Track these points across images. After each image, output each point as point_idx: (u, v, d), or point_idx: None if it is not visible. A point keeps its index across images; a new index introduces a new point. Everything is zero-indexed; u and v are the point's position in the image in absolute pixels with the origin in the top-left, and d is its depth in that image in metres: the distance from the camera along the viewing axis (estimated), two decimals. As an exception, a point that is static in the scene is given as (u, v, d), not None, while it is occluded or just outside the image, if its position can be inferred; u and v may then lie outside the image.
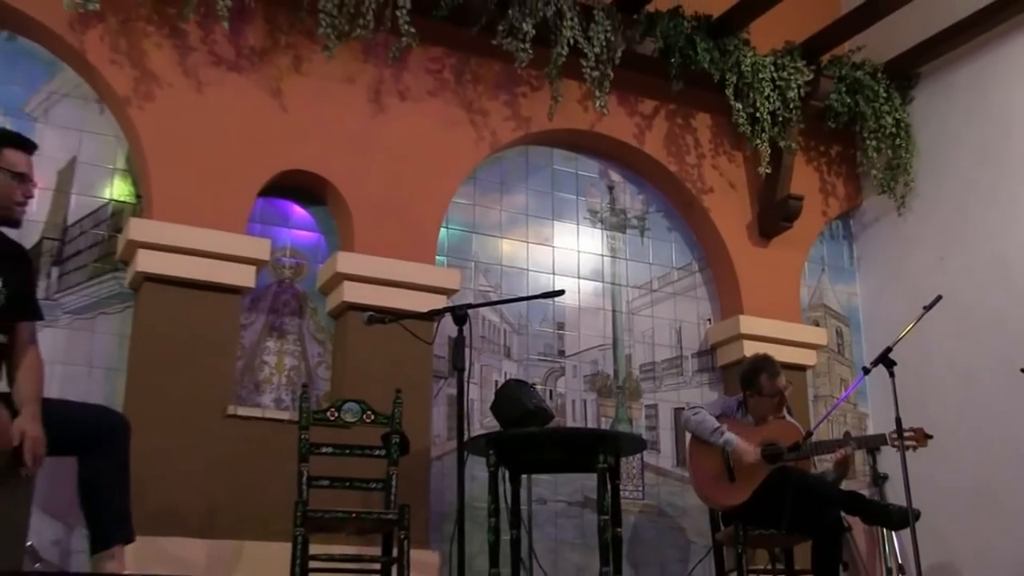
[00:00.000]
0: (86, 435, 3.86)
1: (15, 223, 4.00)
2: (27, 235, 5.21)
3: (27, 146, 3.98)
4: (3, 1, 5.79)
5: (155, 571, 5.15)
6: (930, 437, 5.48)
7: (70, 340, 5.76)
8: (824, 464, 5.88)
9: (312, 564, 4.97)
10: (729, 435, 5.57)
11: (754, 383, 5.79)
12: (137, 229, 5.82)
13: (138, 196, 6.13)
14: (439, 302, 6.10)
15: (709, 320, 7.58)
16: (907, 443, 5.33)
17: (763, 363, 5.85)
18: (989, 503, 6.77)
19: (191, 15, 6.00)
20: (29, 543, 4.32)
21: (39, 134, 5.73)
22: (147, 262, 5.78)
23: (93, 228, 6.01)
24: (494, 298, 6.73)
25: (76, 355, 5.77)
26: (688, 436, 5.86)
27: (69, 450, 3.85)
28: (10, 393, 3.81)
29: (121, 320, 5.92)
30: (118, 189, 6.14)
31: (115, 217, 6.07)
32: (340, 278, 6.25)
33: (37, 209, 5.60)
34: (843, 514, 5.59)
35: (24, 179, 3.92)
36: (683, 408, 6.05)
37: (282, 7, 6.35)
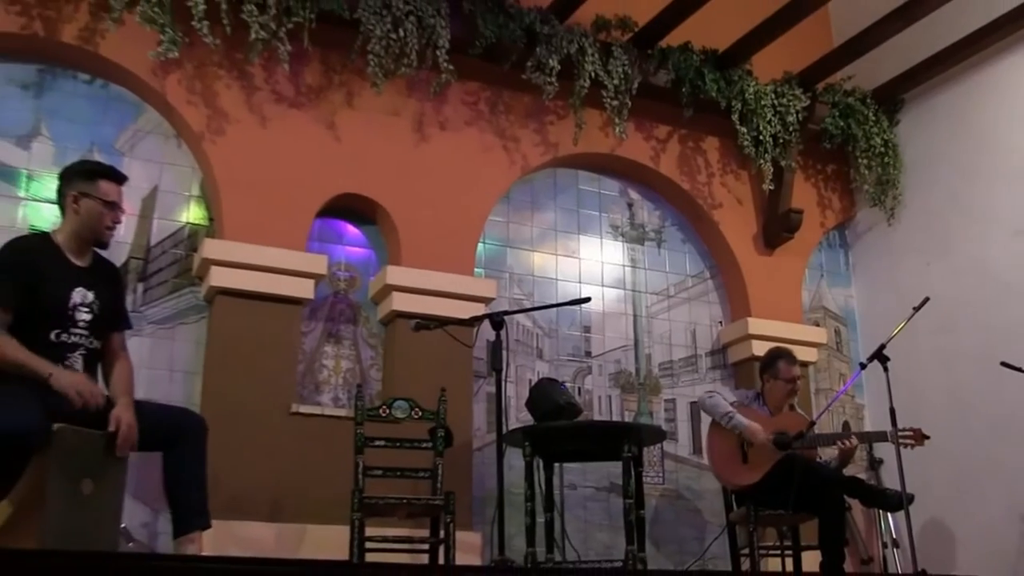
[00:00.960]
0: (170, 434, 3.92)
1: (104, 245, 4.07)
2: (115, 255, 5.27)
3: (118, 178, 4.06)
4: (99, 53, 5.89)
5: (230, 551, 5.21)
6: (927, 437, 5.44)
7: (153, 347, 5.82)
8: (830, 453, 5.87)
9: (368, 545, 4.97)
10: (738, 419, 5.57)
11: (772, 367, 5.81)
12: (210, 248, 5.88)
13: (211, 219, 6.18)
14: (478, 309, 6.14)
15: (720, 322, 7.56)
16: (906, 442, 5.33)
17: (783, 351, 5.91)
18: (972, 483, 6.75)
19: (256, 59, 6.05)
20: (123, 525, 4.38)
21: (126, 166, 5.79)
22: (219, 277, 5.84)
23: (172, 248, 6.07)
24: (527, 305, 6.71)
25: (159, 360, 5.82)
26: (707, 422, 5.86)
27: (156, 447, 3.92)
28: (107, 395, 3.90)
29: (197, 329, 5.97)
30: (193, 213, 6.20)
31: (191, 238, 6.12)
32: (389, 289, 6.28)
33: (124, 232, 5.66)
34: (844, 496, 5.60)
35: (114, 207, 3.99)
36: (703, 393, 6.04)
37: (335, 50, 6.39)
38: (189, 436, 3.94)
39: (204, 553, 3.89)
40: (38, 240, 4.03)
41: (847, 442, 5.53)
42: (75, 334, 3.84)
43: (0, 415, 3.38)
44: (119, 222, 4.06)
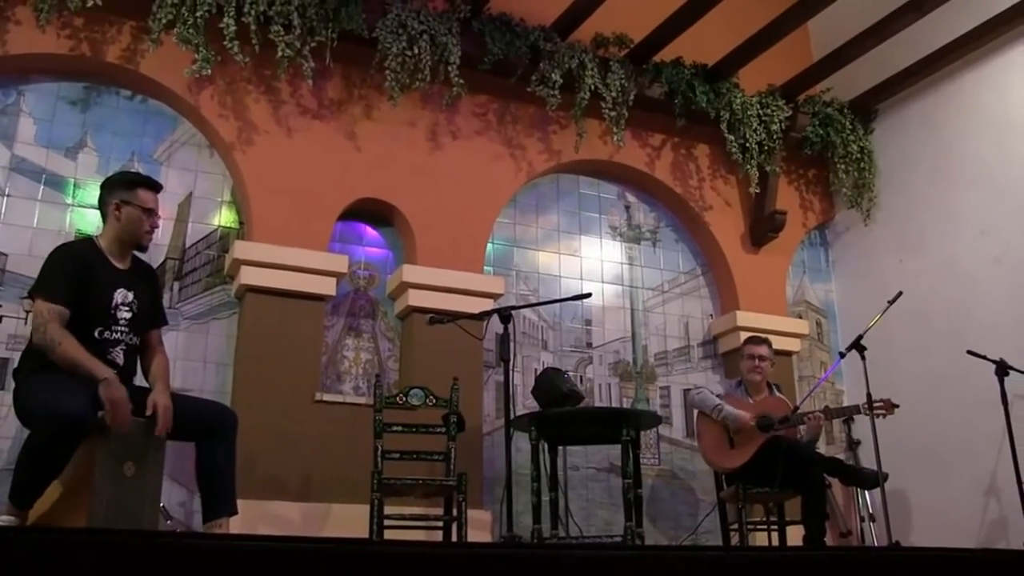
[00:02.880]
0: (204, 427, 3.93)
1: (143, 249, 4.10)
2: (154, 256, 5.30)
3: (155, 187, 4.07)
4: (139, 72, 5.92)
5: (260, 528, 5.24)
6: (896, 406, 5.44)
7: (189, 340, 5.84)
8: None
9: (387, 522, 4.98)
10: (727, 410, 5.59)
11: (741, 348, 5.96)
12: (240, 249, 5.90)
13: (241, 222, 6.19)
14: (487, 305, 6.11)
15: (711, 315, 7.54)
16: (878, 412, 5.34)
17: (751, 336, 6.06)
18: (941, 462, 6.75)
19: (283, 75, 6.07)
20: (162, 504, 4.40)
21: (164, 175, 5.89)
22: (249, 276, 5.85)
23: (206, 249, 6.08)
24: (533, 301, 6.71)
25: (194, 352, 5.84)
26: (695, 412, 5.89)
27: (190, 437, 3.93)
28: (147, 387, 3.92)
29: (229, 324, 5.99)
30: (225, 217, 6.21)
31: (223, 240, 6.14)
32: (405, 286, 6.29)
33: (162, 235, 5.68)
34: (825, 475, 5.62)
35: (151, 213, 4.01)
36: (691, 388, 6.07)
37: (355, 66, 6.40)
38: (221, 429, 3.95)
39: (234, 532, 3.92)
40: (85, 245, 4.05)
41: (811, 416, 5.54)
42: (117, 331, 3.87)
43: (55, 402, 3.42)
44: (157, 227, 4.09)
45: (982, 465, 6.48)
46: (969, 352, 5.80)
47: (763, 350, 5.84)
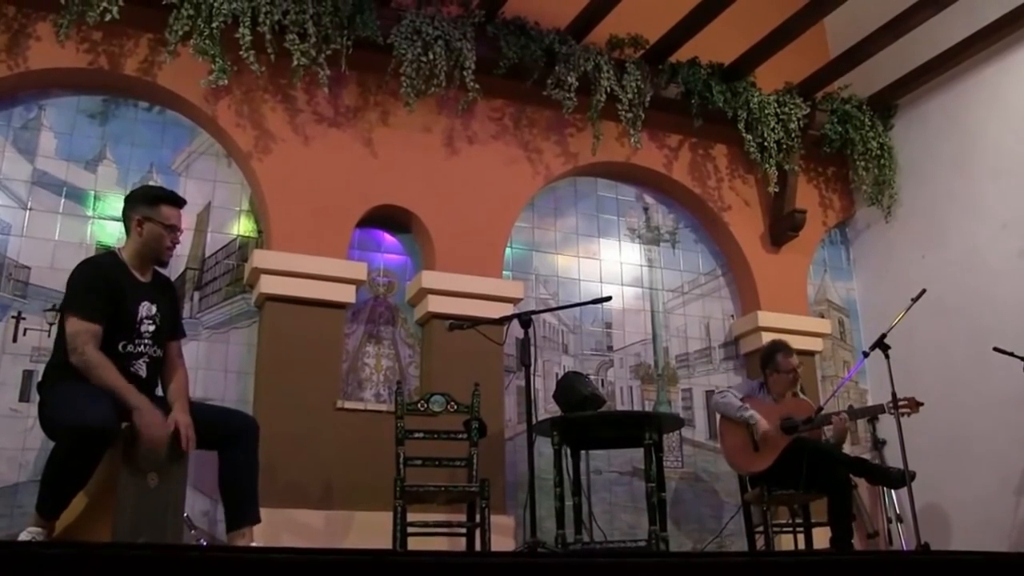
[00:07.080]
0: (226, 435, 3.94)
1: (164, 264, 4.11)
2: (174, 267, 5.30)
3: (178, 203, 4.08)
4: (157, 83, 5.96)
5: (284, 537, 5.24)
6: (921, 404, 5.40)
7: (209, 350, 5.85)
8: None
9: (410, 529, 4.97)
10: (752, 411, 5.55)
11: (772, 361, 5.77)
12: (260, 258, 5.91)
13: (260, 231, 6.21)
14: (507, 309, 6.12)
15: (732, 316, 7.50)
16: (902, 411, 5.29)
17: (779, 345, 5.87)
18: (968, 460, 6.67)
19: (298, 84, 6.08)
20: (186, 514, 4.41)
21: (182, 186, 5.92)
22: (268, 285, 5.86)
23: (225, 259, 6.09)
24: (553, 305, 6.65)
25: (215, 362, 5.85)
26: (718, 415, 5.85)
27: (212, 446, 3.94)
28: (164, 396, 3.94)
29: (249, 333, 6.00)
30: (244, 226, 6.22)
31: (242, 249, 6.15)
32: (425, 292, 6.28)
33: (181, 246, 5.65)
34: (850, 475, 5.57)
35: (173, 230, 4.02)
36: (713, 391, 6.01)
37: (371, 73, 6.40)
38: (243, 437, 3.96)
39: (256, 542, 3.93)
40: (109, 259, 4.07)
41: (840, 418, 5.50)
42: (140, 344, 3.88)
43: (79, 413, 3.44)
44: (178, 243, 4.10)
45: (1011, 463, 6.40)
46: (995, 349, 5.74)
47: (797, 360, 5.78)
